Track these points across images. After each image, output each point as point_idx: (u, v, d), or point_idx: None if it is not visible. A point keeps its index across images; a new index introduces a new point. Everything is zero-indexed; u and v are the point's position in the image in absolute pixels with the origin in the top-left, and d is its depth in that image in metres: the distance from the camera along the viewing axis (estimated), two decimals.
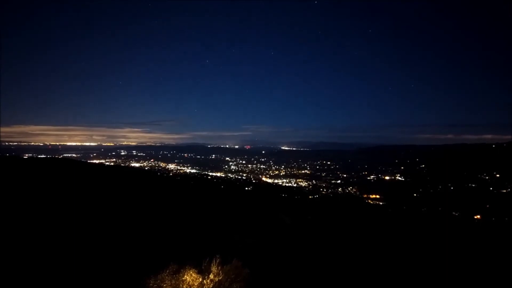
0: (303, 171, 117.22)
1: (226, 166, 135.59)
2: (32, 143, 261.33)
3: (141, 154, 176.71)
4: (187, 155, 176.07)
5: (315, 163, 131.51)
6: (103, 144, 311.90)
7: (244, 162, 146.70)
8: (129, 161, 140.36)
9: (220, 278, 8.89)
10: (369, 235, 24.26)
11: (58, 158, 60.51)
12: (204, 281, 8.81)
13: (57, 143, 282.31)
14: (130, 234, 15.23)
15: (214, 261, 9.17)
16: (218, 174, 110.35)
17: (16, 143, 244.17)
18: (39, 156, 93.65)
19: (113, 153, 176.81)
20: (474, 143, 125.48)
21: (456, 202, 61.51)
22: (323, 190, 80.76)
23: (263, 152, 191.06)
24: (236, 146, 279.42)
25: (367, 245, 20.41)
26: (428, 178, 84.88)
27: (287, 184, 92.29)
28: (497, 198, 63.18)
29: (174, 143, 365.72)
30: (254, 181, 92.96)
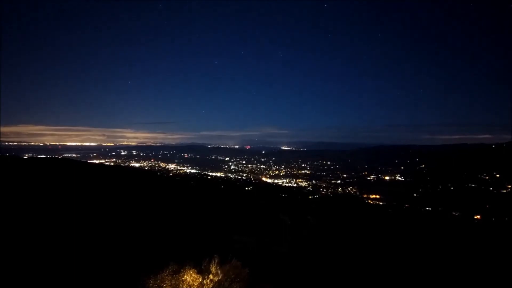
0: (303, 171, 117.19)
1: (226, 166, 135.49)
2: (32, 143, 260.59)
3: (141, 154, 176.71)
4: (187, 155, 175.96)
5: (315, 163, 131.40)
6: (103, 144, 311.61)
7: (244, 162, 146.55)
8: (129, 161, 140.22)
9: (219, 278, 8.90)
10: (369, 235, 24.26)
11: (58, 158, 60.38)
12: (204, 281, 8.82)
13: (57, 143, 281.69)
14: (130, 234, 15.23)
15: (213, 261, 9.17)
16: (218, 174, 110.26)
17: (16, 143, 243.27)
18: (39, 156, 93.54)
19: (113, 153, 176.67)
20: (474, 143, 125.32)
21: (456, 202, 61.54)
22: (323, 190, 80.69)
23: (263, 152, 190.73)
24: (236, 146, 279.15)
25: (368, 245, 20.42)
26: (428, 178, 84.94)
27: (287, 184, 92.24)
28: (497, 198, 63.20)
29: (174, 143, 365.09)
30: (254, 181, 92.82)
